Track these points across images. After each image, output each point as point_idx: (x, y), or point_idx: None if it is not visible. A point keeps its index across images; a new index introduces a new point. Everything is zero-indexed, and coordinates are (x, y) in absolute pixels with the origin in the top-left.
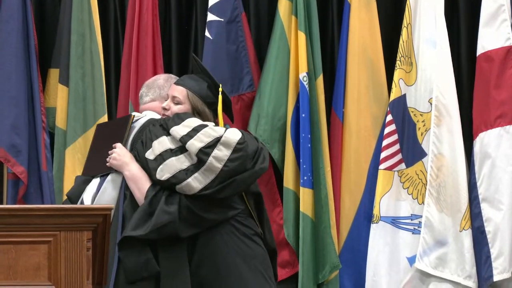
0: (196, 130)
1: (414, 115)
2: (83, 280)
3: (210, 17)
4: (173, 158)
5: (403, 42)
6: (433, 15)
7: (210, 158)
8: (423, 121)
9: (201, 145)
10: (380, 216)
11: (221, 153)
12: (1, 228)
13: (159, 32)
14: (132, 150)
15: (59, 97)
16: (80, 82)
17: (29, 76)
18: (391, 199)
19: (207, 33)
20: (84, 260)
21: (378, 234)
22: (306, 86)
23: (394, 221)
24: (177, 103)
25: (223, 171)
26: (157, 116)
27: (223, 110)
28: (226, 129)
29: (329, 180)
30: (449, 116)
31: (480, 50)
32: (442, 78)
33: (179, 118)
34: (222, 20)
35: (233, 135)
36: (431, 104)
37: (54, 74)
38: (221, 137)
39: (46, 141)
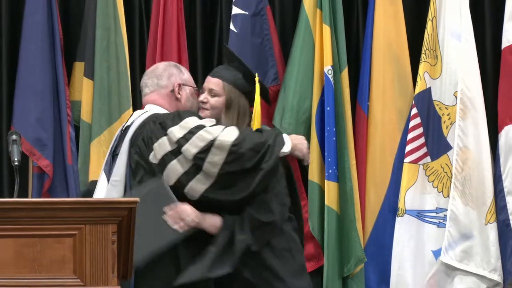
0: (192, 132)
1: (439, 108)
2: (108, 273)
3: (235, 10)
4: (173, 162)
5: (428, 35)
6: (458, 8)
7: (206, 164)
8: (448, 114)
9: (195, 150)
10: (405, 210)
11: (216, 158)
12: (26, 222)
13: (184, 25)
14: (132, 146)
15: (84, 90)
16: (105, 75)
17: (54, 70)
18: (416, 193)
19: (232, 27)
20: (109, 253)
21: (403, 228)
22: (331, 79)
23: (419, 215)
24: (214, 95)
25: (220, 175)
26: (161, 110)
27: (261, 97)
28: (224, 128)
29: (354, 173)
30: (474, 109)
31: (505, 43)
32: (467, 71)
33: (178, 117)
34: (247, 13)
35: (228, 136)
36: (456, 97)
37: (79, 67)
38: (214, 140)
39: (71, 135)
